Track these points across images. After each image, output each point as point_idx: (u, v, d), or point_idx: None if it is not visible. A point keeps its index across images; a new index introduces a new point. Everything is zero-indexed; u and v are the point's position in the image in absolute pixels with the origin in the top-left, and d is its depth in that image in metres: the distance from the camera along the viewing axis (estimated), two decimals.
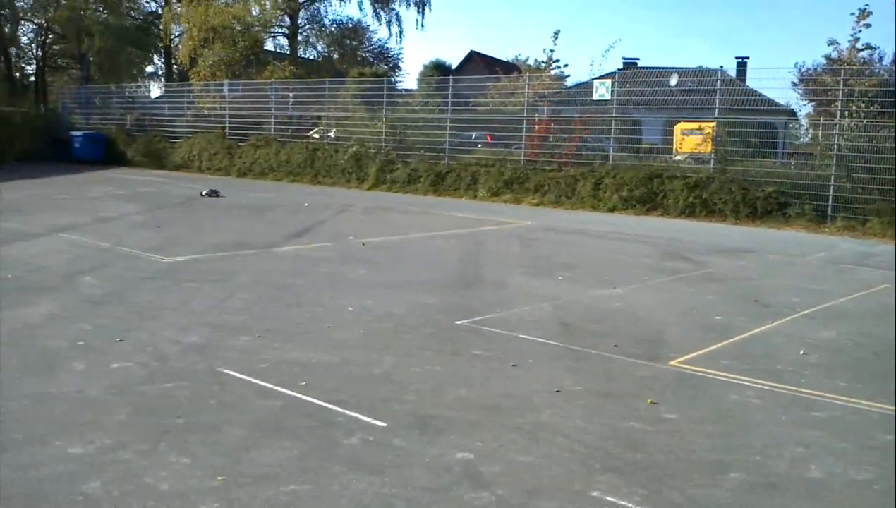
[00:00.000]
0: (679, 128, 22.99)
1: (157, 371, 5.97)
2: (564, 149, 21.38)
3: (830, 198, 17.20)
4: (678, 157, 21.00)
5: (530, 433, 4.96)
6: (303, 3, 39.66)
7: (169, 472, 4.22)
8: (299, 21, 40.47)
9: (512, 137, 23.55)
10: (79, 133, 32.43)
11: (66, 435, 4.68)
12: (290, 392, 5.55)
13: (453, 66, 41.50)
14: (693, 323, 8.14)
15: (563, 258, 12.25)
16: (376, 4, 40.65)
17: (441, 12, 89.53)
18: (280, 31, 40.11)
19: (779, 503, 4.14)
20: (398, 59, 47.56)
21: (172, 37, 40.10)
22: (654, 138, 23.09)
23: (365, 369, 6.19)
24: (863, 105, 17.74)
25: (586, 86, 22.38)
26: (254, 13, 35.96)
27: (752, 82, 23.99)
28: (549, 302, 8.83)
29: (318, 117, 28.16)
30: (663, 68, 22.73)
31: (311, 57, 42.78)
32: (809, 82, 24.55)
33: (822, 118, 20.26)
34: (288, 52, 40.22)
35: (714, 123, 19.34)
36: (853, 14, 18.73)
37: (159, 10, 41.64)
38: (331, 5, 50.03)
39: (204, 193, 20.18)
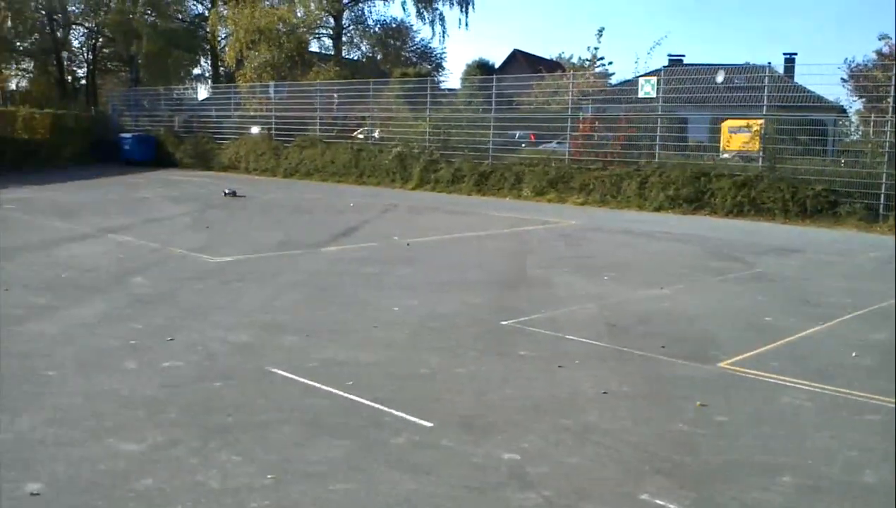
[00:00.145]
0: (726, 125, 22.64)
1: (207, 370, 6.06)
2: (609, 148, 21.23)
3: (882, 196, 16.81)
4: (726, 155, 20.68)
5: (578, 434, 4.94)
6: (347, 4, 39.97)
7: (219, 470, 4.29)
8: (343, 22, 40.84)
9: (555, 136, 23.42)
10: (128, 135, 33.08)
11: (120, 433, 4.77)
12: (337, 391, 5.59)
13: (497, 66, 41.40)
14: (742, 324, 8.02)
15: (609, 258, 12.16)
16: (420, 4, 40.88)
17: (484, 11, 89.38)
18: (325, 32, 40.55)
19: None
20: (441, 58, 47.67)
21: (219, 39, 40.66)
22: (701, 136, 22.77)
23: (411, 369, 6.21)
24: None
25: (631, 83, 22.20)
26: (299, 15, 36.26)
27: (800, 78, 23.60)
28: (595, 303, 8.78)
29: (363, 118, 28.31)
30: (709, 65, 22.39)
31: (356, 58, 43.13)
32: (860, 78, 24.07)
33: (872, 115, 19.87)
34: (332, 53, 40.56)
35: (762, 121, 19.03)
36: None
37: (206, 13, 42.19)
38: (374, 6, 50.32)
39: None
